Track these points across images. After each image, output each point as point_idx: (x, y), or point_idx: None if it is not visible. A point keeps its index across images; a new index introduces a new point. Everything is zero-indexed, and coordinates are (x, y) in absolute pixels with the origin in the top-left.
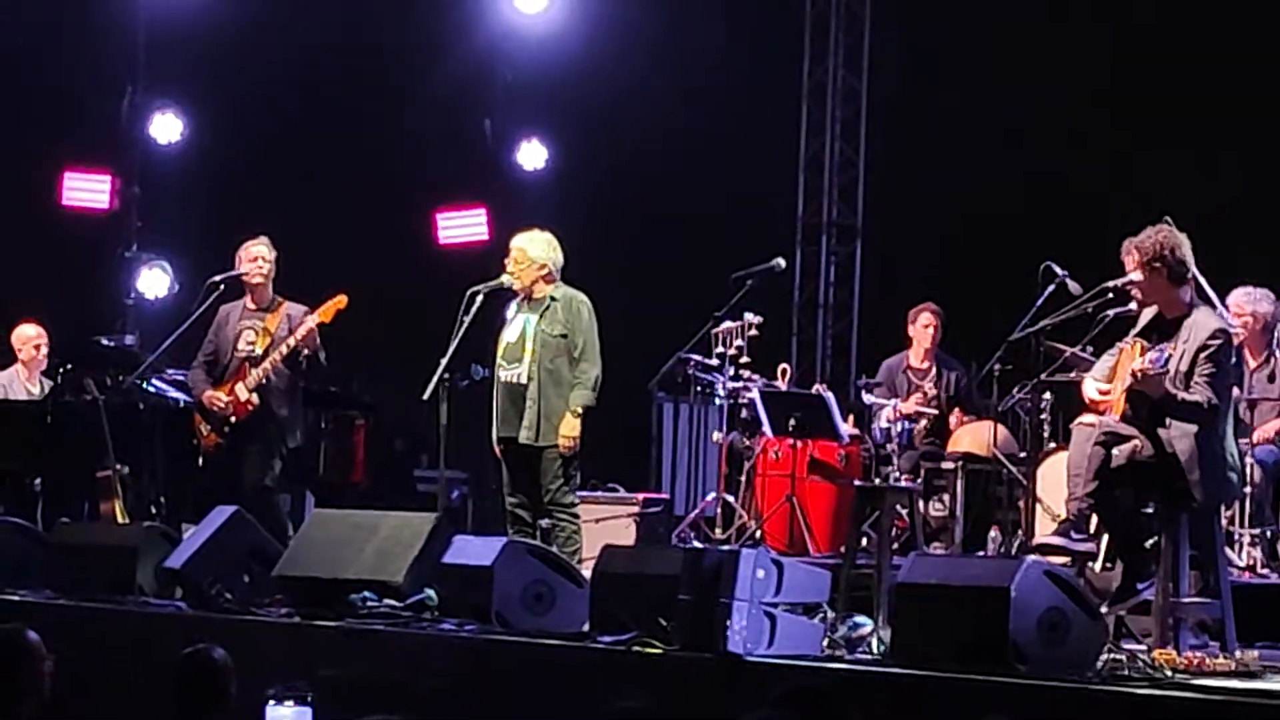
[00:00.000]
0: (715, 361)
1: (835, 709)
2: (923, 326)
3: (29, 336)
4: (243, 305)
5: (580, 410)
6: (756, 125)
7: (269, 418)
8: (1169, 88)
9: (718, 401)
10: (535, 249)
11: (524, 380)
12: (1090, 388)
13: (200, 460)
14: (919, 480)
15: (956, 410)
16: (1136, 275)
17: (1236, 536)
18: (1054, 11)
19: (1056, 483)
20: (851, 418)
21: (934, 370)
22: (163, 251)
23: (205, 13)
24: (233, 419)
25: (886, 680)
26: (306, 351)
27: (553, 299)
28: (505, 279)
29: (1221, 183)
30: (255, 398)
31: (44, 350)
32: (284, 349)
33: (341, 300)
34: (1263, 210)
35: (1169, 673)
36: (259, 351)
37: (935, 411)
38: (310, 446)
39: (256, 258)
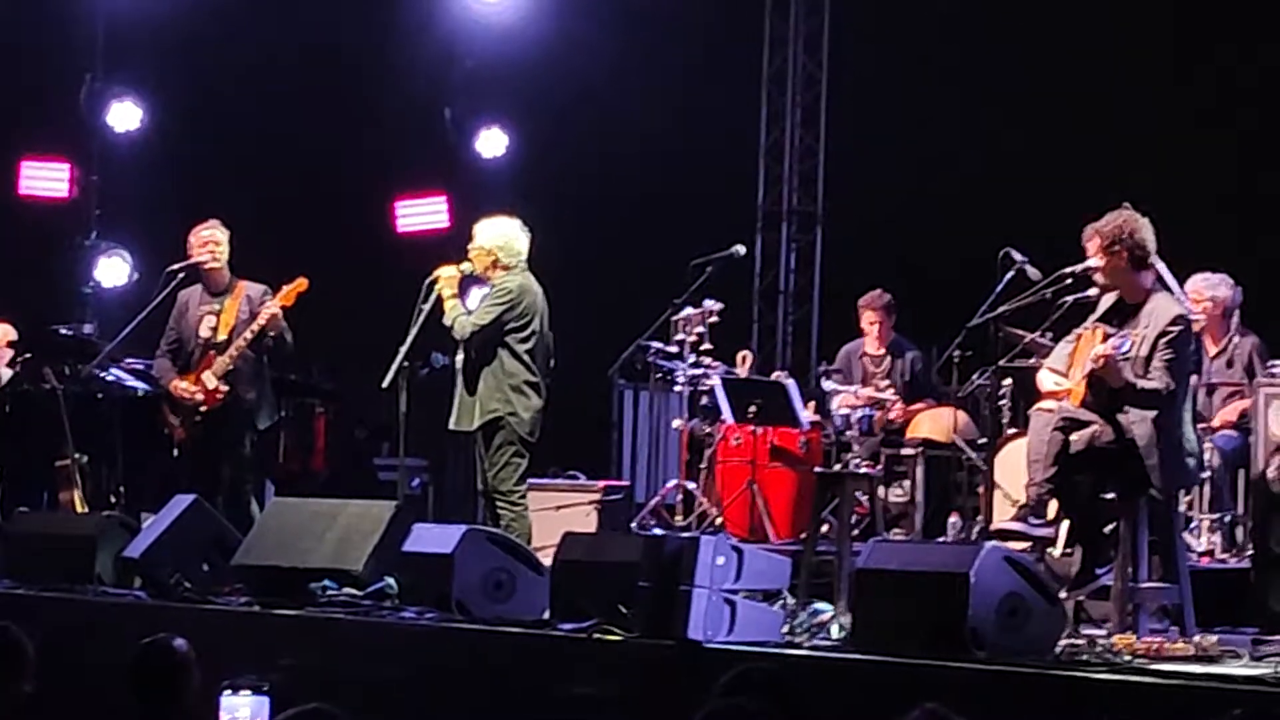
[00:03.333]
0: (675, 349)
1: (786, 692)
2: (867, 322)
3: None
4: (199, 291)
5: (451, 317)
6: (716, 112)
7: (238, 403)
8: (1126, 72)
9: (678, 389)
10: (485, 235)
11: (458, 366)
12: (1047, 379)
13: (175, 450)
14: (879, 466)
15: (901, 404)
16: (1097, 260)
17: (1195, 522)
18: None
19: (1016, 468)
20: (812, 404)
21: (888, 358)
22: (121, 240)
23: (164, 1)
24: (203, 408)
25: (846, 666)
26: (272, 334)
27: (494, 286)
28: (466, 266)
29: (1177, 167)
30: (223, 385)
31: (5, 357)
32: (249, 334)
33: (302, 283)
34: (1221, 196)
35: (1128, 658)
36: (222, 337)
37: (897, 399)
38: (270, 435)
39: (207, 242)
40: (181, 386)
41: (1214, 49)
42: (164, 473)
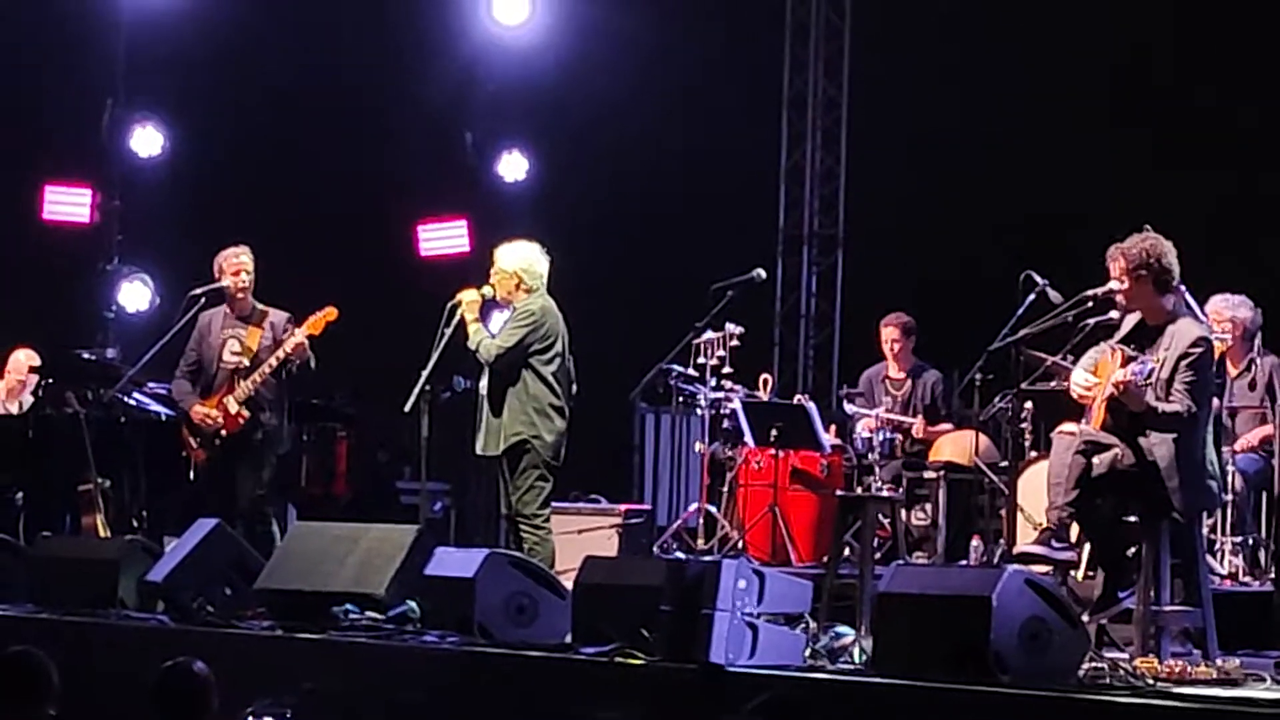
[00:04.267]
0: (697, 372)
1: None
2: (885, 340)
3: (20, 364)
4: (223, 314)
5: (475, 340)
6: (737, 136)
7: (258, 429)
8: (1152, 100)
9: (699, 412)
10: (508, 259)
11: (484, 390)
12: (1079, 376)
13: (192, 473)
14: (901, 490)
15: (922, 420)
16: (1119, 283)
17: (1218, 544)
18: (1036, 20)
19: (1038, 492)
20: (833, 428)
21: (908, 380)
22: (143, 265)
23: (186, 26)
24: (223, 433)
25: (868, 690)
26: (297, 362)
27: (516, 309)
28: (487, 290)
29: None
30: (245, 410)
31: (29, 383)
32: (273, 361)
33: (331, 313)
34: (1240, 217)
35: (1151, 681)
36: (246, 363)
37: (915, 420)
38: (292, 459)
39: (239, 269)
40: (202, 411)
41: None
42: (186, 497)
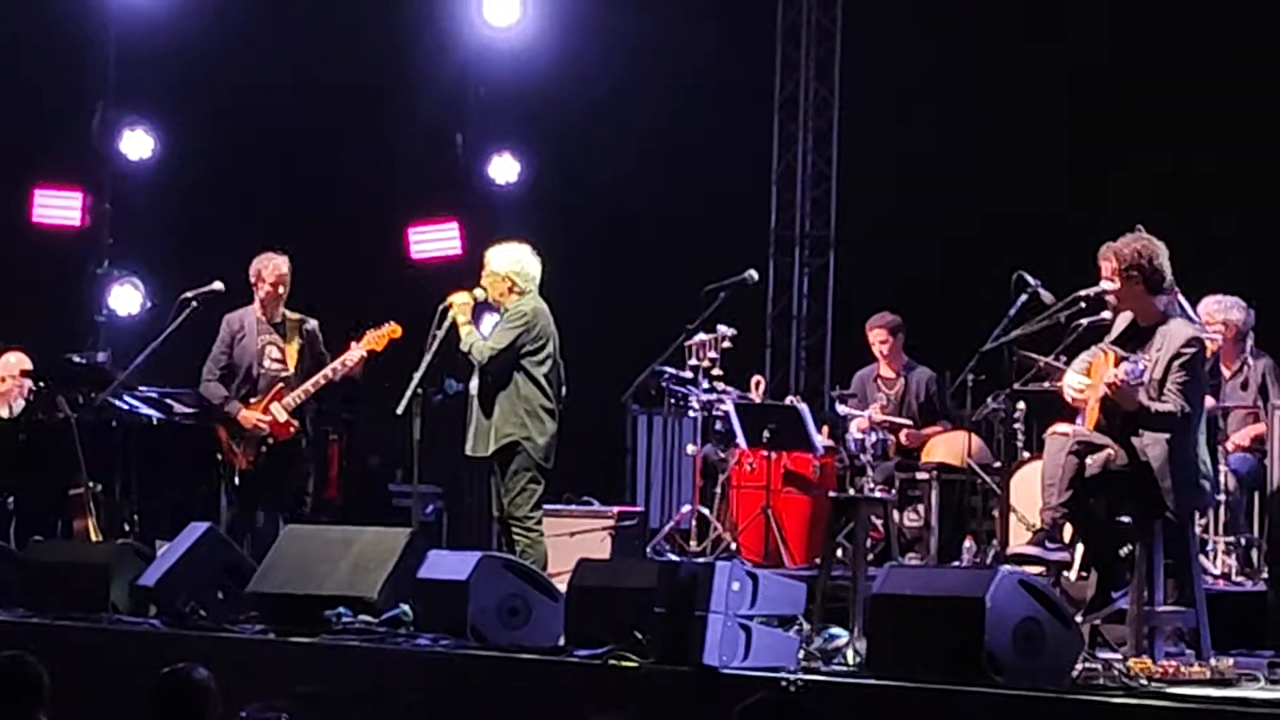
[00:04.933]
0: (689, 374)
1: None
2: (876, 344)
3: (11, 366)
4: (255, 318)
5: (468, 342)
6: (728, 137)
7: (303, 438)
8: (1138, 99)
9: (692, 414)
10: (499, 262)
11: (473, 392)
12: (1072, 379)
13: (236, 479)
14: (894, 491)
15: (905, 433)
16: (1111, 283)
17: (1211, 544)
18: (1027, 25)
19: (1031, 492)
20: (826, 429)
21: (901, 380)
22: (134, 268)
23: (176, 28)
24: (270, 440)
25: (862, 692)
26: (350, 378)
27: (507, 310)
28: (478, 292)
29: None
30: (294, 420)
31: (25, 385)
32: (329, 374)
33: (395, 330)
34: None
35: (1145, 681)
36: (289, 371)
37: (908, 421)
38: None
39: (280, 282)
40: (253, 417)
41: None
42: (177, 500)
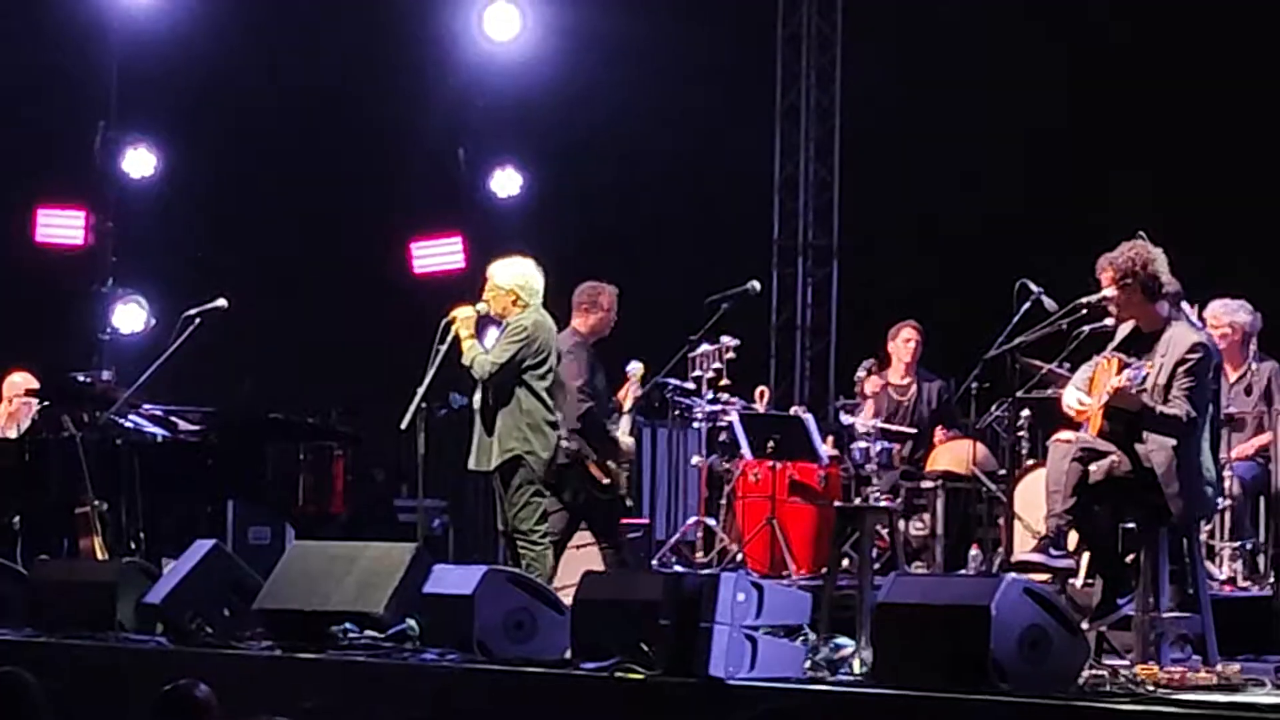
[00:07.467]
0: (693, 385)
1: None
2: (904, 341)
3: (16, 386)
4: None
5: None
6: (730, 148)
7: None
8: (1139, 105)
9: (696, 425)
10: (502, 275)
11: (477, 406)
12: (1071, 396)
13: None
14: (899, 500)
15: (939, 427)
16: (1110, 292)
17: (1216, 550)
18: (1029, 28)
19: (1035, 500)
20: (830, 439)
21: (914, 386)
22: (138, 286)
23: (177, 48)
24: None
25: (869, 701)
26: None
27: (508, 324)
28: (481, 306)
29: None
30: None
31: (33, 406)
32: None
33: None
34: (1232, 223)
35: (1151, 688)
36: None
37: (914, 431)
38: (289, 478)
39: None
40: None
41: None
42: (183, 518)
